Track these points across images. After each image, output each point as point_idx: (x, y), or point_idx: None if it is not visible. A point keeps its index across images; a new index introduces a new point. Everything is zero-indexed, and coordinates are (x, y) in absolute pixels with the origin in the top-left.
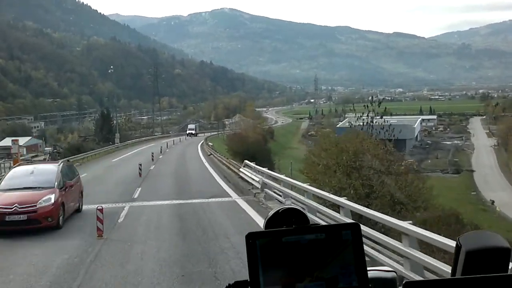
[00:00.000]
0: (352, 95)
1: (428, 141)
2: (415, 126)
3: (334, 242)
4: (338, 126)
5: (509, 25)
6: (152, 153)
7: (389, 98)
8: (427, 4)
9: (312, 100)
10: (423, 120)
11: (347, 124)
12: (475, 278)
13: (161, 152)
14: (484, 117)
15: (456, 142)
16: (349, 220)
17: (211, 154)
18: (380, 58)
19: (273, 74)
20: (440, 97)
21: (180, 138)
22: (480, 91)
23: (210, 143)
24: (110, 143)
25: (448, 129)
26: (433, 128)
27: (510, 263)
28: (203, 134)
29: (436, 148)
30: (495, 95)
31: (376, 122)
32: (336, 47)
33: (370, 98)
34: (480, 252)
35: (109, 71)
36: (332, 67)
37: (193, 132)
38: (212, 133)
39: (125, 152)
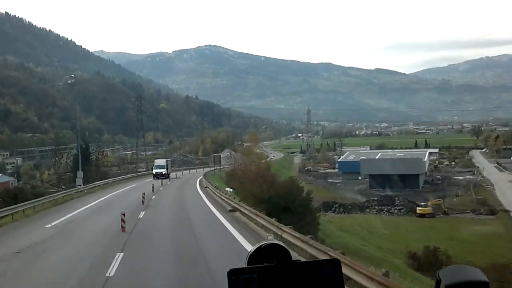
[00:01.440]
0: (339, 129)
1: (438, 176)
2: (425, 160)
3: (315, 278)
4: (339, 160)
5: (486, 62)
6: (123, 214)
7: (377, 132)
8: (404, 41)
9: (300, 135)
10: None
11: (350, 158)
12: None
13: (143, 202)
14: (484, 150)
15: (468, 177)
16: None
17: (234, 208)
18: (363, 94)
19: (258, 109)
20: (427, 131)
21: (169, 176)
22: (465, 124)
23: (215, 184)
24: (78, 185)
25: (453, 163)
26: (436, 162)
27: None
28: (182, 173)
29: (449, 184)
30: (483, 129)
31: (380, 155)
32: (320, 83)
33: (358, 132)
34: (459, 286)
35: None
36: (316, 102)
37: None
38: (205, 169)
39: (80, 204)
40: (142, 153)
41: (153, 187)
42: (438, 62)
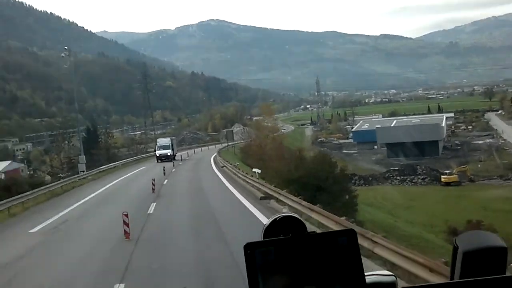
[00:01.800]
0: (348, 98)
1: (456, 142)
2: (443, 125)
3: (331, 249)
4: (354, 130)
5: (493, 22)
6: (125, 215)
7: (386, 100)
8: (409, 5)
9: (308, 106)
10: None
11: (364, 127)
12: (472, 282)
13: (154, 190)
14: (500, 112)
15: (488, 141)
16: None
17: (267, 195)
18: (369, 61)
19: (265, 82)
20: (437, 95)
21: (181, 155)
22: (475, 87)
23: (235, 163)
24: (81, 171)
25: (470, 127)
26: (453, 127)
27: (508, 262)
28: (193, 151)
29: (469, 149)
30: (495, 90)
31: (396, 123)
32: (325, 52)
33: (367, 100)
34: (477, 253)
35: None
36: (322, 72)
37: (168, 152)
38: (217, 146)
39: (79, 196)
40: (151, 132)
41: (164, 170)
42: (444, 25)
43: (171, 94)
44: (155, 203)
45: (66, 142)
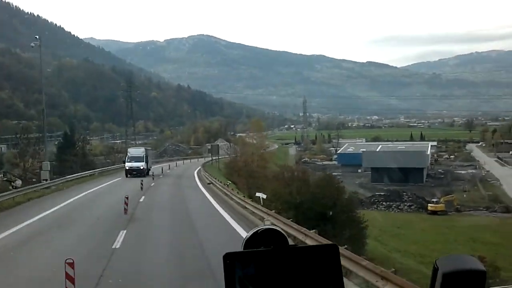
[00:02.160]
0: (331, 121)
1: (440, 170)
2: (428, 153)
3: (313, 263)
4: (339, 152)
5: (475, 57)
6: (68, 264)
7: (369, 125)
8: (397, 35)
9: (292, 126)
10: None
11: (349, 150)
12: None
13: (126, 211)
14: (481, 144)
15: (471, 171)
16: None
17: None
18: (354, 86)
19: (250, 100)
20: (419, 124)
21: (162, 167)
22: (455, 118)
23: (227, 182)
24: (44, 180)
25: (452, 156)
26: (435, 156)
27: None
28: (175, 164)
29: (453, 178)
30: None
31: (381, 148)
32: (312, 75)
33: (350, 124)
34: (457, 275)
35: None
36: (308, 94)
37: (141, 166)
38: (199, 160)
39: (25, 216)
40: (132, 142)
41: (141, 184)
42: (429, 56)
43: (155, 104)
44: (125, 231)
45: (39, 146)
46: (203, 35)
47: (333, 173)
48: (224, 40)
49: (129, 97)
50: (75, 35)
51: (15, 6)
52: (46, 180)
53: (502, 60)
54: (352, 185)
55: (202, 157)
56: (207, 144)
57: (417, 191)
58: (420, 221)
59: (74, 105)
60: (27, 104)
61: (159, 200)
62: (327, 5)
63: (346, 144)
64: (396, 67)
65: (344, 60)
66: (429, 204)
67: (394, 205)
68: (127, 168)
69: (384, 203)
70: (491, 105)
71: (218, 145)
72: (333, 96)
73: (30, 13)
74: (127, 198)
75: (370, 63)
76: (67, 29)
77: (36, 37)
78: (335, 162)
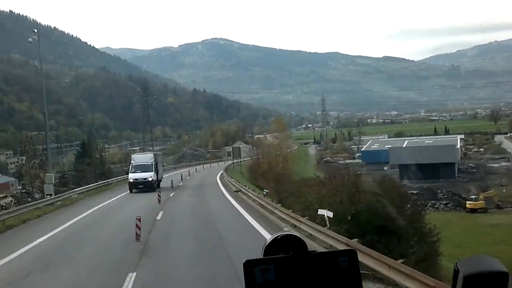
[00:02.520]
0: (350, 118)
1: (471, 164)
2: (458, 146)
3: (332, 269)
4: (363, 149)
5: (495, 46)
6: None
7: (389, 121)
8: (412, 28)
9: (309, 125)
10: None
11: (374, 147)
12: None
13: (138, 237)
14: (509, 135)
15: (504, 164)
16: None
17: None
18: (371, 82)
19: (266, 101)
20: (440, 117)
21: (181, 174)
22: (478, 110)
23: (264, 191)
24: (47, 195)
25: (482, 149)
26: (463, 149)
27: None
28: (195, 170)
29: (486, 172)
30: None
31: (407, 144)
32: (327, 73)
33: (369, 121)
34: (478, 277)
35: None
36: (324, 92)
37: (149, 177)
38: (219, 163)
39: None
40: (150, 148)
41: (159, 196)
42: (446, 48)
43: (172, 110)
44: (134, 274)
45: (62, 156)
46: (216, 38)
47: (358, 172)
48: (237, 42)
49: (145, 103)
50: (92, 45)
51: (32, 19)
52: (51, 195)
53: None
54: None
55: (221, 161)
56: (226, 147)
57: (451, 188)
58: (460, 220)
59: (92, 114)
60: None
61: (181, 218)
62: (339, 1)
63: (370, 141)
64: (413, 61)
65: (359, 56)
66: (467, 202)
67: (429, 204)
68: (131, 180)
69: (418, 201)
70: None
71: (239, 147)
72: (349, 93)
73: (47, 25)
74: (139, 219)
75: (386, 58)
76: (83, 39)
77: (34, 31)
78: (359, 160)
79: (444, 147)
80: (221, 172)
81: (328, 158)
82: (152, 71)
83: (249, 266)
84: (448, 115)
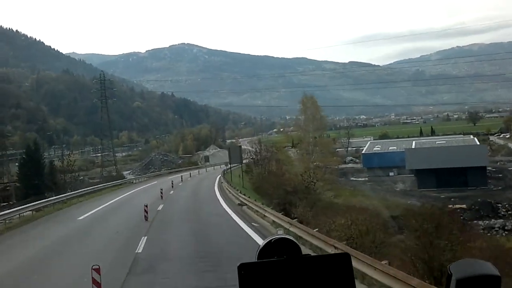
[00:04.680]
0: (298, 128)
1: (489, 168)
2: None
3: (325, 272)
4: (363, 153)
5: (457, 51)
6: None
7: (361, 124)
8: (377, 33)
9: (281, 129)
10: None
11: (376, 149)
12: None
13: None
14: (503, 135)
15: None
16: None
17: None
18: (338, 87)
19: (235, 106)
20: (412, 120)
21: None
22: (445, 113)
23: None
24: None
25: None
26: None
27: None
28: (171, 184)
29: None
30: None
31: (415, 145)
32: (295, 78)
33: (340, 124)
34: (471, 280)
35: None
36: (292, 97)
37: None
38: (201, 171)
39: None
40: (117, 154)
41: (145, 212)
42: (410, 53)
43: (139, 114)
44: None
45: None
46: (184, 43)
47: (359, 178)
48: (205, 48)
49: (105, 102)
50: (56, 49)
51: None
52: None
53: (484, 53)
54: (393, 194)
55: (199, 168)
56: (200, 152)
57: (486, 197)
58: None
59: (54, 118)
60: (2, 120)
61: None
62: (304, 8)
63: (369, 143)
64: (379, 66)
65: (326, 61)
66: None
67: (496, 225)
68: None
69: (480, 222)
70: (477, 98)
71: (239, 147)
72: (317, 98)
73: (9, 28)
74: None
75: (352, 63)
76: (47, 43)
77: None
78: (354, 165)
79: (472, 148)
80: (216, 188)
81: (318, 163)
82: (119, 75)
83: (244, 269)
84: (420, 117)
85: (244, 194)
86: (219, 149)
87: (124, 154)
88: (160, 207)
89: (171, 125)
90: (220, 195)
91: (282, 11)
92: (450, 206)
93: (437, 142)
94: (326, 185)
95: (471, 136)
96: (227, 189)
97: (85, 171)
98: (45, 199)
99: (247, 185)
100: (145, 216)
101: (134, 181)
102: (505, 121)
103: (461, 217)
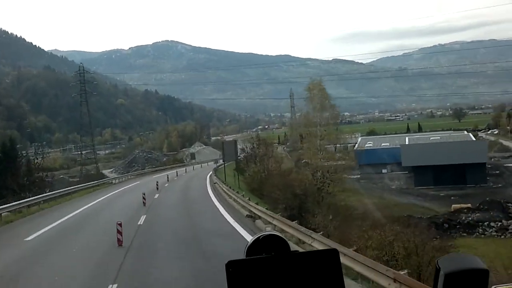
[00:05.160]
0: (307, 120)
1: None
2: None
3: (314, 268)
4: (355, 149)
5: (439, 49)
6: None
7: (346, 121)
8: (360, 31)
9: (266, 127)
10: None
11: (368, 145)
12: None
13: None
14: (491, 132)
15: None
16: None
17: None
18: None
19: (219, 103)
20: (396, 117)
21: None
22: (428, 110)
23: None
24: None
25: None
26: None
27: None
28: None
29: None
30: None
31: (409, 141)
32: (279, 75)
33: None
34: (459, 274)
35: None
36: (277, 94)
37: None
38: (188, 168)
39: None
40: (98, 152)
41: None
42: (393, 52)
43: (123, 112)
44: None
45: None
46: (167, 41)
47: (351, 176)
48: (189, 45)
49: (85, 96)
50: (38, 46)
51: None
52: None
53: (466, 51)
54: (390, 192)
55: (184, 165)
56: (185, 149)
57: (493, 196)
58: None
59: (35, 116)
60: None
61: None
62: (288, 5)
63: (360, 139)
64: (362, 63)
65: (309, 59)
66: None
67: (510, 227)
68: None
69: (492, 224)
70: (459, 95)
71: (234, 141)
72: (302, 94)
73: None
74: None
75: (336, 61)
76: (28, 40)
77: None
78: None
79: (471, 144)
80: (210, 191)
81: (306, 160)
82: (102, 73)
83: (232, 266)
84: (404, 114)
85: (256, 203)
86: (204, 146)
87: (107, 151)
88: (141, 220)
89: (155, 122)
90: (218, 201)
91: (266, 8)
92: (455, 205)
93: (431, 138)
94: (337, 186)
95: (465, 132)
96: (225, 192)
97: (66, 169)
98: (23, 199)
99: (242, 186)
100: (118, 239)
101: (114, 181)
102: (493, 117)
103: (469, 218)
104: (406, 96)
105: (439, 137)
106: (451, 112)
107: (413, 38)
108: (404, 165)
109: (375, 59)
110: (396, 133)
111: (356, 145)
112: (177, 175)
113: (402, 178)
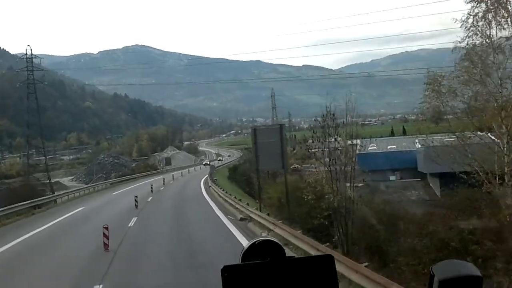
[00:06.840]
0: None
1: None
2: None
3: (309, 274)
4: (358, 153)
5: (406, 56)
6: None
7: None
8: (330, 38)
9: (239, 131)
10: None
11: (371, 148)
12: None
13: None
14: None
15: None
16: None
17: None
18: (292, 90)
19: (191, 108)
20: (370, 122)
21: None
22: (398, 115)
23: None
24: None
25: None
26: None
27: None
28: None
29: None
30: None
31: (418, 145)
32: (250, 80)
33: (299, 126)
34: (453, 281)
35: None
36: (249, 99)
37: None
38: (165, 175)
39: None
40: (62, 158)
41: None
42: (362, 58)
43: (90, 115)
44: None
45: None
46: (138, 45)
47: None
48: (159, 50)
49: (33, 87)
50: (3, 48)
51: None
52: None
53: (432, 58)
54: (410, 204)
55: (158, 173)
56: (157, 153)
57: None
58: None
59: None
60: None
61: None
62: (260, 11)
63: (359, 141)
64: (331, 69)
65: (280, 65)
66: None
67: None
68: None
69: None
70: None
71: (282, 125)
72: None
73: None
74: None
75: (306, 67)
76: None
77: None
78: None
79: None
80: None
81: (296, 166)
82: (70, 76)
83: (227, 272)
84: (377, 119)
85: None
86: (178, 151)
87: (71, 157)
88: None
89: (124, 126)
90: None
91: (237, 14)
92: None
93: (445, 139)
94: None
95: (479, 132)
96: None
97: (24, 176)
98: None
99: (264, 209)
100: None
101: (60, 199)
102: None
103: None
104: (375, 102)
105: (452, 139)
106: (421, 116)
107: (381, 45)
108: (420, 170)
109: (344, 66)
110: (382, 136)
111: (358, 147)
112: (152, 190)
113: (418, 186)
